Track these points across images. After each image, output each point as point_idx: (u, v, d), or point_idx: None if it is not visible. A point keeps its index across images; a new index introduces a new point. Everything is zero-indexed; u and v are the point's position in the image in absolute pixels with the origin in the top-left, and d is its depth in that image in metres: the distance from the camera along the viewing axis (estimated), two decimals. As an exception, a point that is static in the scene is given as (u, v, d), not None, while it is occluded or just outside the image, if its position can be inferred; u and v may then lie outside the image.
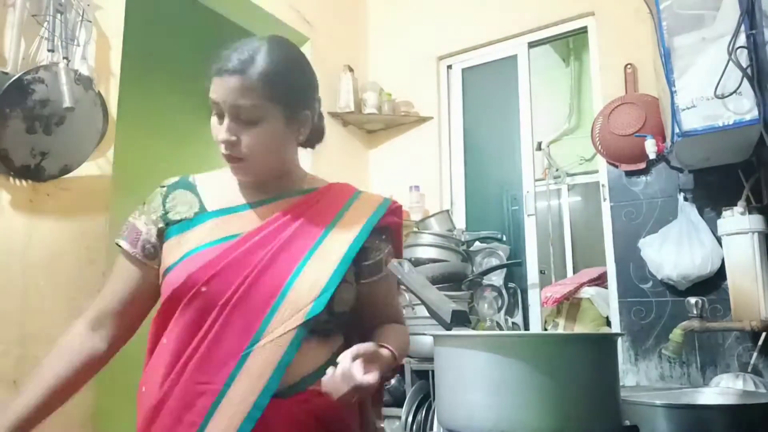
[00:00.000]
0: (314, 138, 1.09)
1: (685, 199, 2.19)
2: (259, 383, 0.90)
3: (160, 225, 1.02)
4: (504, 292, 2.58)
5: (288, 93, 0.97)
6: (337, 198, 1.07)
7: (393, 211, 1.09)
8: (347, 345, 0.97)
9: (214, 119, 0.98)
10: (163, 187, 1.07)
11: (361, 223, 1.03)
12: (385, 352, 0.91)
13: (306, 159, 2.55)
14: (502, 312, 2.56)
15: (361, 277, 1.04)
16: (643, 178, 2.34)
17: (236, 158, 0.97)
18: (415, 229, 2.63)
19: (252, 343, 0.91)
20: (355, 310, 1.05)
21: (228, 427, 0.87)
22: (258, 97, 0.93)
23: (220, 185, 1.05)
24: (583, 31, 2.68)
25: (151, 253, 1.02)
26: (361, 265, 1.03)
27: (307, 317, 0.92)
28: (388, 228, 1.08)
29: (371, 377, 0.82)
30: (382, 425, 1.11)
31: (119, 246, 1.04)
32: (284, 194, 1.04)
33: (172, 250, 0.99)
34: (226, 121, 0.95)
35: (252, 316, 0.92)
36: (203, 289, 0.93)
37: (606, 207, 2.42)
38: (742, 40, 1.64)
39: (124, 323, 1.04)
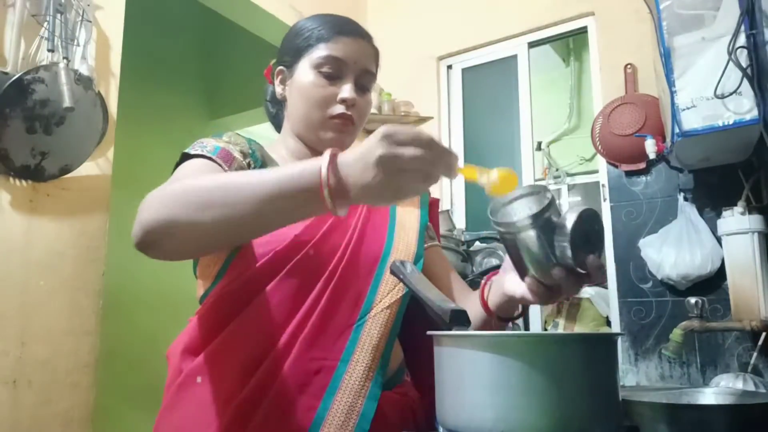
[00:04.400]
0: None
1: (685, 199, 2.19)
2: (376, 355, 0.83)
3: (248, 160, 0.91)
4: (504, 292, 2.58)
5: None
6: None
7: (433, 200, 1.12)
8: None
9: (318, 79, 0.93)
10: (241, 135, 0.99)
11: (416, 199, 1.03)
12: None
13: (306, 159, 2.56)
14: (502, 312, 2.56)
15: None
16: (643, 178, 2.34)
17: (350, 120, 0.94)
18: (415, 229, 2.63)
19: (364, 311, 0.85)
20: None
21: (352, 408, 0.79)
22: (376, 67, 0.98)
23: (280, 157, 0.99)
24: (583, 31, 2.68)
25: None
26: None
27: None
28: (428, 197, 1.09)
29: None
30: None
31: (209, 159, 0.86)
32: None
33: None
34: (350, 82, 0.94)
35: (360, 282, 0.87)
36: (311, 252, 0.85)
37: (606, 207, 2.42)
38: (742, 40, 1.64)
39: None
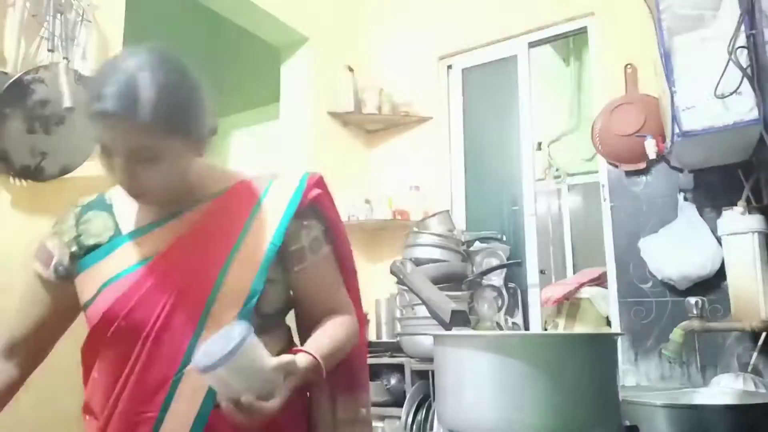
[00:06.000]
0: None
1: (685, 199, 2.18)
2: (194, 407, 0.88)
3: (73, 249, 0.97)
4: (504, 292, 2.58)
5: (184, 119, 0.86)
6: (249, 193, 0.99)
7: (314, 184, 1.01)
8: (291, 341, 1.01)
9: (102, 154, 0.87)
10: (77, 207, 1.02)
11: (281, 211, 0.96)
12: (301, 361, 0.86)
13: (305, 159, 2.55)
14: (502, 312, 2.56)
15: (291, 266, 0.98)
16: (643, 178, 2.34)
17: (138, 194, 0.91)
18: (415, 229, 2.62)
19: (181, 368, 0.88)
20: (293, 304, 1.02)
21: None
22: (151, 136, 0.83)
23: (134, 202, 0.96)
24: (583, 31, 2.68)
25: (64, 276, 0.98)
26: (288, 253, 0.97)
27: None
28: (314, 205, 1.01)
29: (269, 406, 0.79)
30: (364, 411, 1.02)
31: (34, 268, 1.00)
32: (195, 203, 0.97)
33: (88, 284, 0.94)
34: (120, 161, 0.84)
35: (177, 341, 0.89)
36: (123, 323, 0.90)
37: (606, 207, 2.42)
38: (742, 40, 1.64)
39: (37, 348, 1.03)
